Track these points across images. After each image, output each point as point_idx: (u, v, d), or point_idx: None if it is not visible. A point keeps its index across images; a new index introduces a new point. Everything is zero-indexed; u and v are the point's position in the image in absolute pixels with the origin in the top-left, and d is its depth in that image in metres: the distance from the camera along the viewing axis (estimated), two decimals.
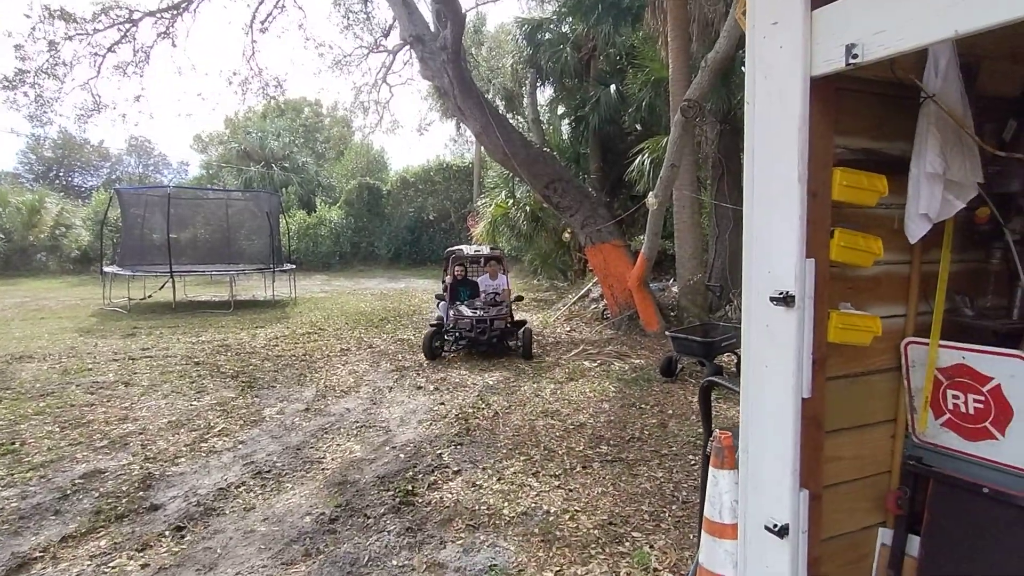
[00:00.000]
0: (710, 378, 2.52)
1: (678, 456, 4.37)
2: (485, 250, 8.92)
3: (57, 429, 4.99)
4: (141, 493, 3.88)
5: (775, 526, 1.69)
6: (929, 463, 1.95)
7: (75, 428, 5.02)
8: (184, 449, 4.62)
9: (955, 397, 1.87)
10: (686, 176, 8.71)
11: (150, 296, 13.19)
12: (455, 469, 4.18)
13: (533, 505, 3.58)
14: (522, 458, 4.32)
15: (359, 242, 24.14)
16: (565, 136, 16.71)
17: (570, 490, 3.78)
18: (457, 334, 7.74)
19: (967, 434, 1.86)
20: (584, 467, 4.16)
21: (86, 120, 12.57)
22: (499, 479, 3.97)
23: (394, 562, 3.03)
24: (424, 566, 2.98)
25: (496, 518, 3.44)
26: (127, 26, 11.97)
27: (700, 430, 3.90)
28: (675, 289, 9.97)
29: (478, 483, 3.91)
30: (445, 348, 7.88)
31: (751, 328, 1.81)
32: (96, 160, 46.12)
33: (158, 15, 12.05)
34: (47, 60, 11.62)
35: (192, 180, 34.41)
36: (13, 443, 4.65)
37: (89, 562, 3.09)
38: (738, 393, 1.91)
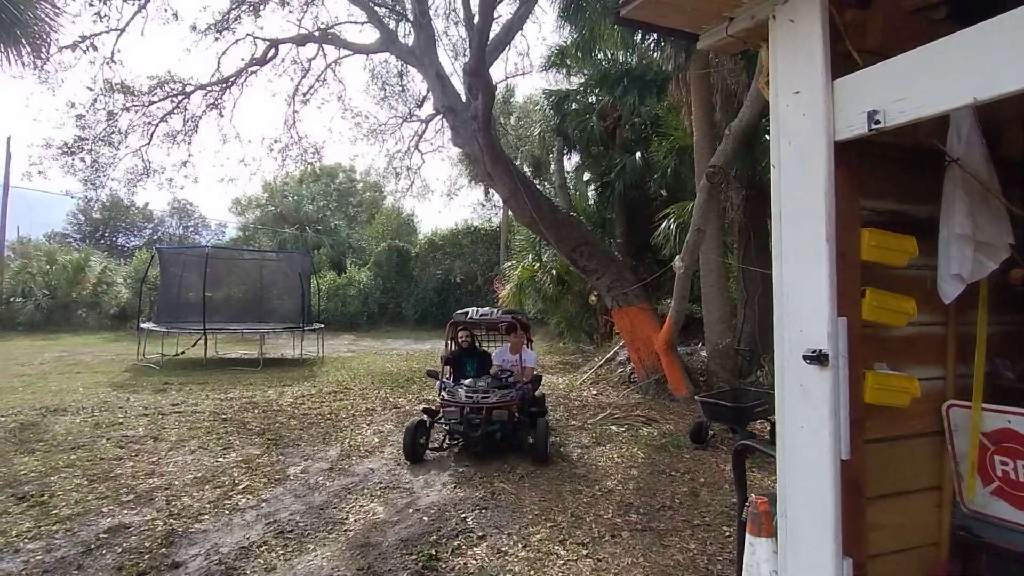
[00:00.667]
0: (744, 442, 2.47)
1: (711, 527, 4.20)
2: (497, 313, 6.84)
3: (85, 482, 5.03)
4: (164, 550, 3.86)
5: None
6: (980, 534, 1.86)
7: (103, 481, 5.06)
8: (208, 506, 4.60)
9: (1003, 463, 1.81)
10: (712, 240, 8.77)
11: (183, 352, 13.47)
12: (479, 534, 4.07)
13: (558, 574, 3.45)
14: (548, 524, 4.19)
15: (387, 303, 24.49)
16: (591, 201, 17.06)
17: (599, 560, 3.64)
18: (447, 426, 5.95)
19: (1019, 503, 1.78)
20: (613, 536, 4.01)
21: (135, 184, 13.29)
22: (525, 546, 3.85)
23: None
24: None
25: None
26: (180, 98, 12.84)
27: (734, 499, 3.77)
28: (703, 353, 9.83)
29: (503, 550, 3.80)
30: (432, 446, 6.00)
31: (785, 388, 1.79)
32: (140, 221, 48.27)
33: (208, 88, 12.92)
34: (104, 129, 12.46)
35: (229, 241, 35.66)
36: (42, 495, 4.70)
37: None
38: (773, 457, 1.88)
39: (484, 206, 31.35)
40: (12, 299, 20.12)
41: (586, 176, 18.45)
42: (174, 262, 15.65)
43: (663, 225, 10.30)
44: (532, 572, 3.47)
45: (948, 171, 1.84)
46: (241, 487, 5.05)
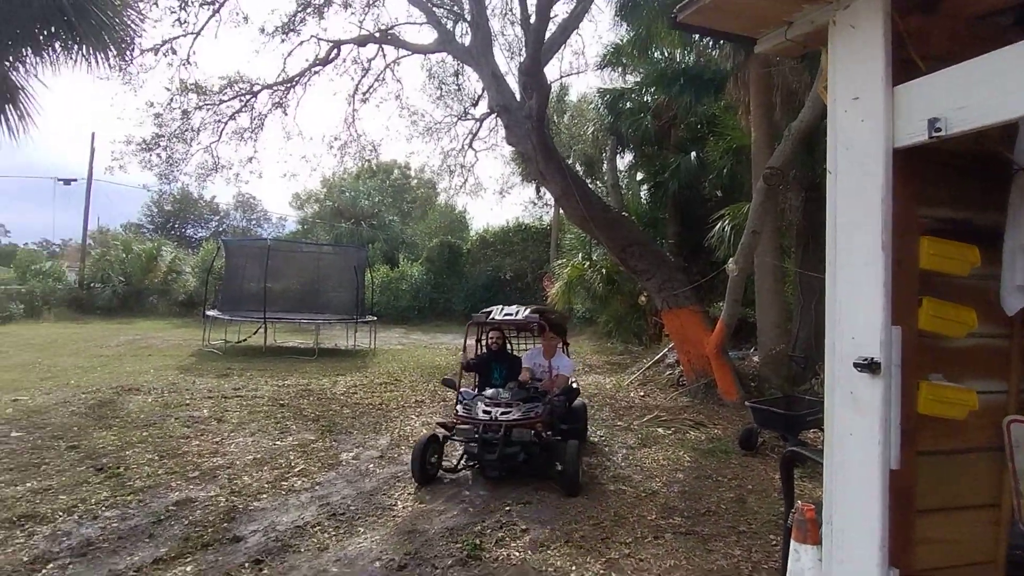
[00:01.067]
0: (793, 448, 2.45)
1: (757, 535, 4.14)
2: (524, 313, 5.79)
3: (156, 457, 5.39)
4: (225, 524, 4.11)
5: None
6: None
7: (172, 458, 5.41)
8: (266, 486, 4.85)
9: None
10: (768, 243, 8.55)
11: (244, 340, 14.12)
12: (523, 527, 4.15)
13: (602, 573, 3.49)
14: (591, 522, 4.23)
15: (437, 298, 24.90)
16: (643, 201, 16.87)
17: (640, 560, 3.66)
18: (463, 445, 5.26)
19: None
20: (656, 537, 4.02)
21: (205, 178, 13.99)
22: (567, 542, 3.91)
23: None
24: None
25: None
26: (247, 97, 13.44)
27: (782, 508, 3.71)
28: (756, 358, 9.60)
29: (545, 544, 3.86)
30: (445, 467, 5.24)
31: (835, 395, 1.79)
32: (207, 214, 50.71)
33: (274, 87, 13.47)
34: (179, 126, 13.18)
35: (289, 235, 37.04)
36: (118, 467, 5.07)
37: None
38: (822, 464, 1.87)
39: (535, 204, 31.41)
40: (92, 284, 21.52)
41: (639, 176, 18.22)
42: (238, 253, 16.41)
43: (717, 227, 10.10)
44: (573, 568, 3.52)
45: (1016, 180, 1.78)
46: (296, 470, 5.30)
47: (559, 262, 17.58)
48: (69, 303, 20.41)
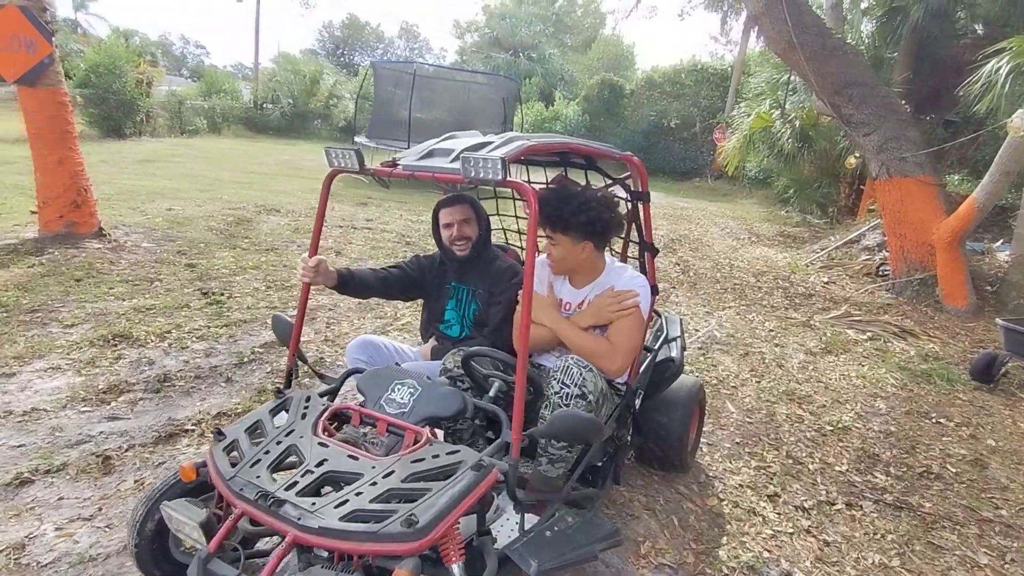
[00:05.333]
0: None
1: (1013, 529, 2.75)
2: (491, 151, 1.72)
3: (262, 288, 5.02)
4: (307, 380, 3.55)
5: None
6: None
7: (278, 291, 5.01)
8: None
9: None
10: None
11: None
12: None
13: (764, 554, 2.39)
14: (754, 462, 3.08)
15: (591, 141, 23.02)
16: (863, 35, 13.11)
17: (827, 544, 2.49)
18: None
19: None
20: (849, 505, 2.79)
21: None
22: (719, 488, 2.82)
23: None
24: None
25: (705, 564, 2.33)
26: None
27: None
28: (1002, 256, 7.20)
29: (682, 490, 2.80)
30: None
31: None
32: (373, 41, 50.96)
33: None
34: None
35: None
36: (222, 294, 4.75)
37: None
38: None
39: (716, 40, 26.96)
40: (264, 105, 22.49)
41: (864, 2, 14.12)
42: (388, 78, 15.70)
43: (986, 68, 7.17)
44: (724, 539, 2.45)
45: None
46: (401, 322, 4.66)
47: (738, 110, 14.77)
48: (244, 121, 21.61)
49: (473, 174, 1.54)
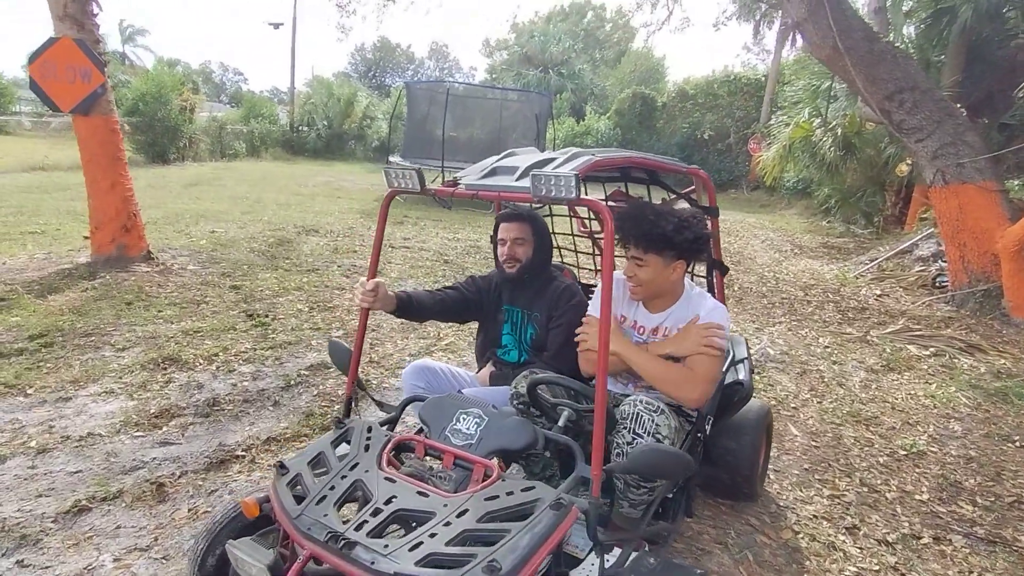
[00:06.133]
0: None
1: None
2: (562, 166, 1.66)
3: (306, 309, 5.03)
4: (354, 404, 3.49)
5: None
6: None
7: (321, 311, 5.00)
8: (408, 359, 4.19)
9: None
10: None
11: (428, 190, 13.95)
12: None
13: None
14: (826, 490, 2.89)
15: (655, 155, 22.88)
16: (906, 38, 12.72)
17: None
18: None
19: None
20: (937, 539, 2.58)
21: (383, 9, 13.11)
22: (792, 520, 2.65)
23: None
24: None
25: None
26: None
27: None
28: None
29: (752, 522, 2.62)
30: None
31: None
32: (404, 62, 51.97)
33: None
34: None
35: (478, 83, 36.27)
36: (267, 316, 4.76)
37: None
38: None
39: (749, 50, 26.62)
40: (300, 127, 23.03)
41: (905, 5, 13.73)
42: (422, 98, 15.89)
43: None
44: None
45: None
46: (445, 342, 4.59)
47: (776, 120, 14.46)
48: (282, 144, 22.15)
49: (544, 192, 1.45)
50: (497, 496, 1.43)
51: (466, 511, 1.38)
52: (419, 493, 1.46)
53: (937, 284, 7.28)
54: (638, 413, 1.73)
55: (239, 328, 4.48)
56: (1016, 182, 10.41)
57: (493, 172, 1.76)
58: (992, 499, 2.94)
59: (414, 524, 1.39)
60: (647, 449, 1.46)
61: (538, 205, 1.97)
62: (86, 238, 5.84)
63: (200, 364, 3.87)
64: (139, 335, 4.22)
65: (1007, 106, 10.17)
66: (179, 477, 2.68)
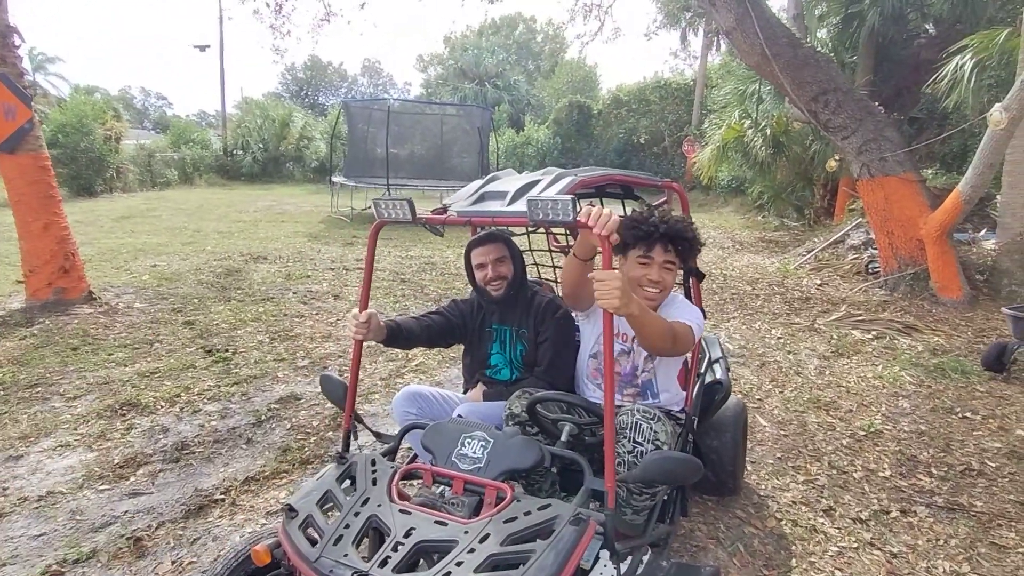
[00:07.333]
0: None
1: None
2: (552, 188, 1.71)
3: (267, 340, 4.89)
4: (330, 434, 3.43)
5: None
6: None
7: (283, 341, 4.88)
8: (379, 383, 4.15)
9: None
10: None
11: (369, 207, 13.79)
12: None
13: (836, 574, 2.33)
14: (801, 477, 3.03)
15: (565, 164, 23.14)
16: (823, 41, 13.57)
17: (893, 555, 2.45)
18: None
19: None
20: (904, 512, 2.76)
21: (318, 30, 12.96)
22: (774, 508, 2.77)
23: None
24: None
25: None
26: None
27: None
28: (988, 244, 7.38)
29: (743, 516, 2.75)
30: None
31: None
32: (336, 80, 51.22)
33: None
34: None
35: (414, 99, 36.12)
36: (227, 350, 4.61)
37: (264, 520, 2.63)
38: None
39: (677, 56, 27.70)
40: (234, 151, 22.32)
41: (818, 10, 14.64)
42: (360, 116, 15.73)
43: (951, 65, 7.43)
44: (793, 561, 2.40)
45: None
46: (414, 364, 4.56)
47: (708, 123, 15.09)
48: (216, 170, 21.41)
49: (541, 216, 1.49)
50: (516, 517, 1.45)
51: (487, 535, 1.40)
52: (437, 522, 1.46)
53: (870, 270, 7.76)
54: (636, 422, 1.79)
55: (198, 365, 4.31)
56: (929, 171, 11.22)
57: (482, 198, 1.79)
58: (946, 469, 3.16)
59: (436, 556, 1.39)
60: (658, 457, 1.52)
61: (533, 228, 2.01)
62: (19, 282, 5.49)
63: (162, 407, 3.70)
64: (90, 382, 4.00)
65: (914, 102, 11.00)
66: (156, 529, 2.56)
